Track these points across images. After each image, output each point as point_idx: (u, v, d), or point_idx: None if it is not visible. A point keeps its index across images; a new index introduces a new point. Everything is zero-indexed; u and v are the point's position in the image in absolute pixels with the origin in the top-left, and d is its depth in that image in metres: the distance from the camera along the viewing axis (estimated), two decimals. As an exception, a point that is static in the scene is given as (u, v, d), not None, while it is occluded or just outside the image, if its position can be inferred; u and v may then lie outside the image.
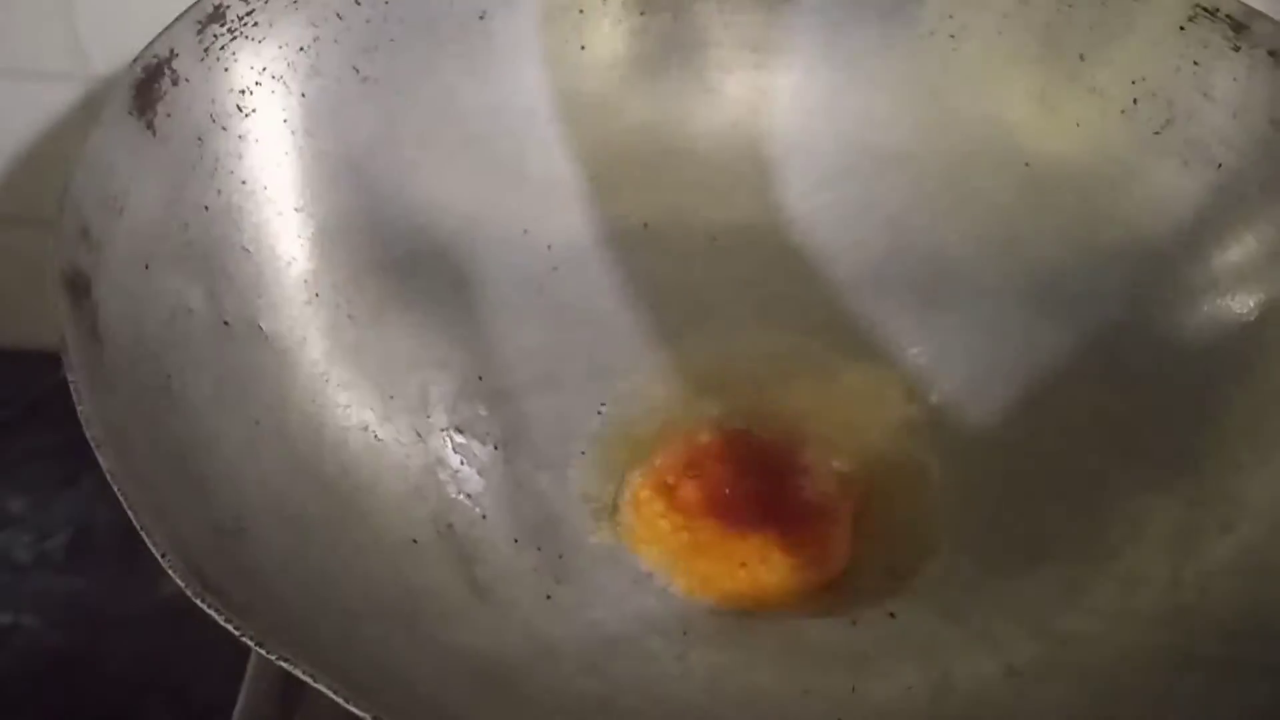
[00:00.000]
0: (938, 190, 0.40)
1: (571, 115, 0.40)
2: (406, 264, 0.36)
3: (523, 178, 0.39)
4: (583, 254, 0.39)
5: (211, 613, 0.19)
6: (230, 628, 0.19)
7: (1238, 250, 0.34)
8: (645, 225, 0.40)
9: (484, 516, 0.32)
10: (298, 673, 0.18)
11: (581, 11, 0.40)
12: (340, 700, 0.18)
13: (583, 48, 0.40)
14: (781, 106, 0.41)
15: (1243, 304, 0.33)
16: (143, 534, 0.20)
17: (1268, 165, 0.34)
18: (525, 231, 0.39)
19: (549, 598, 0.30)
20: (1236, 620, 0.27)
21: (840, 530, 0.33)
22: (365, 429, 0.32)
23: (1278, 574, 0.28)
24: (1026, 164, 0.39)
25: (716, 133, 0.41)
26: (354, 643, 0.25)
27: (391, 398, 0.33)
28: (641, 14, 0.40)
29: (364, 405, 0.32)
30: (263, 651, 0.18)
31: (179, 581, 0.19)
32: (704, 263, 0.40)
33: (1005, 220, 0.39)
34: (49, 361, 0.28)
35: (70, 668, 0.37)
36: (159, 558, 0.19)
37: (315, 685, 0.18)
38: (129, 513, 0.20)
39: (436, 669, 0.26)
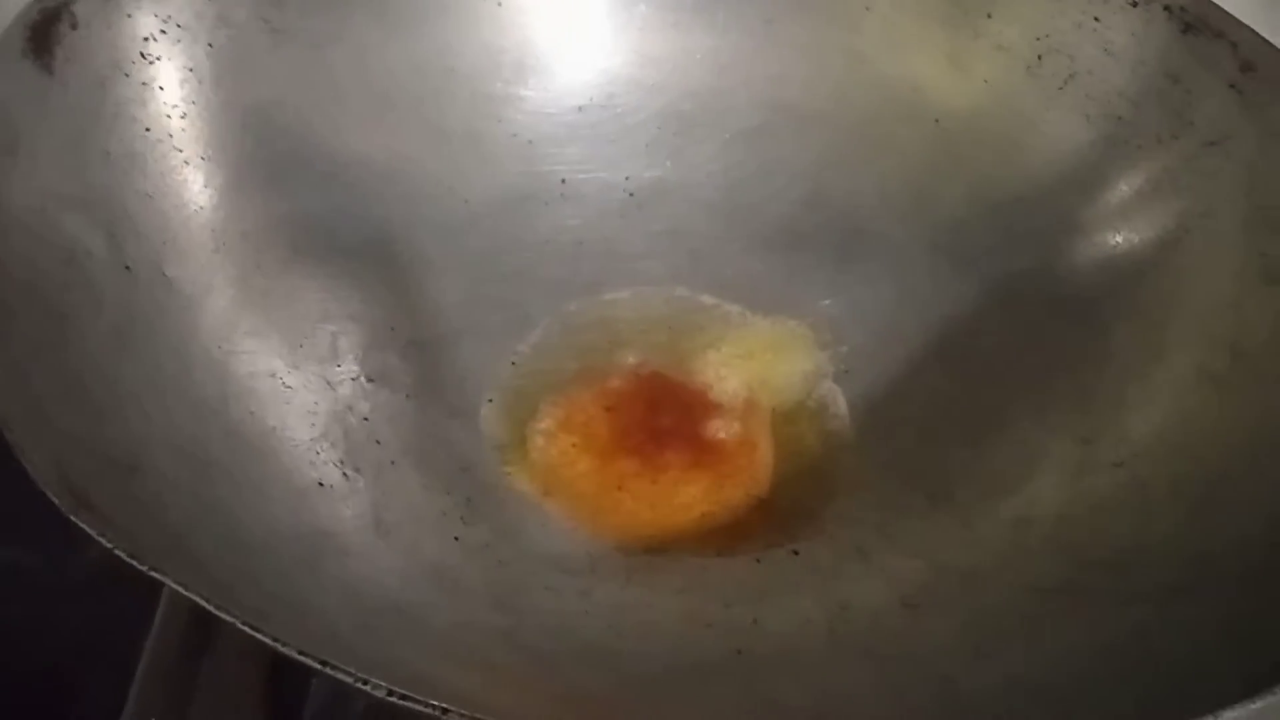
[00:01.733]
0: (850, 147, 0.41)
1: (490, 72, 0.40)
2: (320, 216, 0.35)
3: (442, 134, 0.39)
4: (501, 209, 0.39)
5: (91, 531, 0.19)
6: (104, 542, 0.19)
7: (1129, 196, 0.35)
8: (563, 181, 0.41)
9: (392, 462, 0.32)
10: (194, 596, 0.18)
11: (497, -33, 0.40)
12: (238, 623, 0.18)
13: (499, 4, 0.40)
14: (699, 65, 0.42)
15: (1133, 243, 0.34)
16: (18, 454, 0.20)
17: (1164, 117, 0.35)
18: (444, 187, 0.39)
19: (456, 539, 0.31)
20: (1121, 552, 0.28)
21: (750, 471, 0.33)
22: (273, 375, 0.32)
23: (1161, 506, 0.29)
24: (936, 120, 0.40)
25: (636, 90, 0.42)
26: (255, 577, 0.25)
27: (300, 346, 0.33)
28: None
29: (272, 353, 0.32)
30: (135, 563, 0.19)
31: (55, 500, 0.19)
32: (620, 217, 0.40)
33: (915, 175, 0.40)
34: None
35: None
36: (34, 478, 0.19)
37: (213, 610, 0.18)
38: (5, 434, 0.20)
39: (339, 604, 0.26)
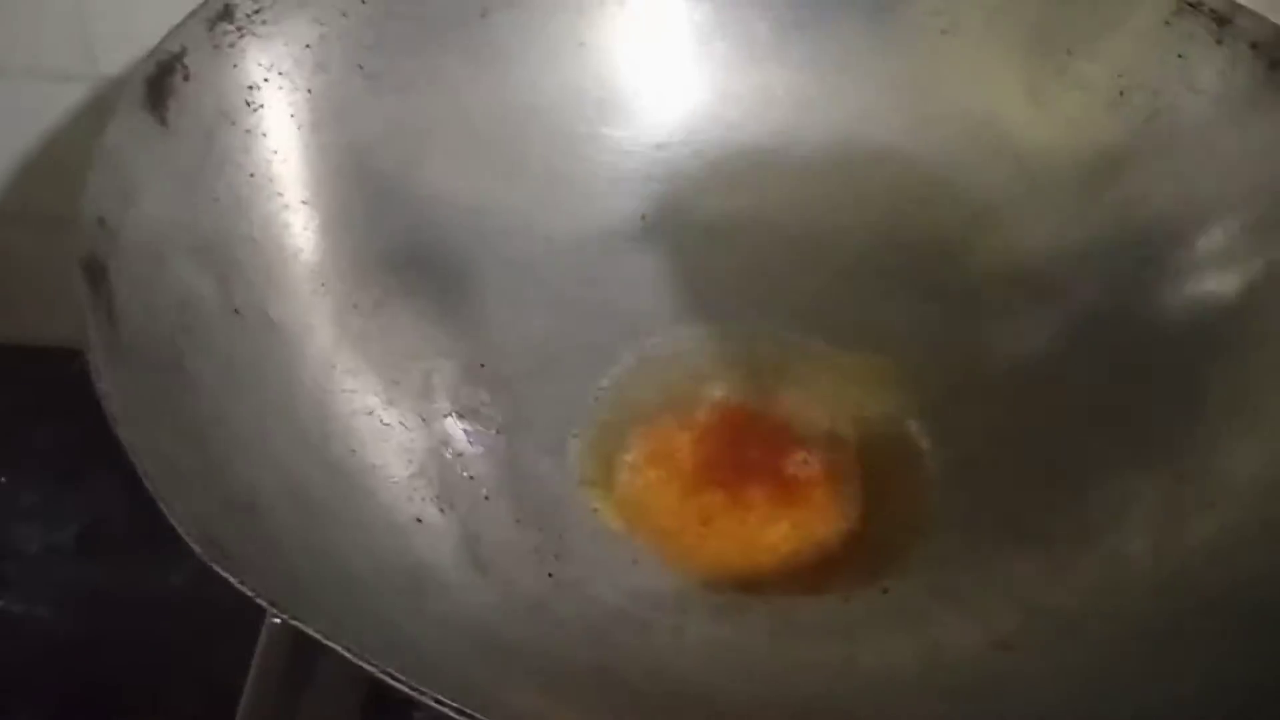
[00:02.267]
0: (927, 184, 0.41)
1: (572, 110, 0.41)
2: (410, 255, 0.36)
3: (524, 171, 0.40)
4: (581, 245, 0.40)
5: (227, 576, 0.20)
6: (246, 590, 0.19)
7: (1219, 235, 0.35)
8: (643, 217, 0.41)
9: (486, 497, 0.33)
10: (310, 631, 0.19)
11: (581, 9, 0.41)
12: (352, 657, 0.19)
13: (582, 44, 0.41)
14: (778, 101, 0.42)
15: (1224, 285, 0.34)
16: (160, 504, 0.20)
17: (1252, 156, 0.35)
18: (527, 224, 0.39)
19: (550, 575, 0.31)
20: (1216, 594, 0.28)
21: (837, 508, 0.34)
22: (370, 413, 0.33)
23: (1255, 548, 0.29)
24: (1016, 157, 0.40)
25: (716, 127, 0.42)
26: (361, 612, 0.26)
27: (396, 383, 0.34)
28: (642, 11, 0.41)
29: (369, 391, 0.33)
30: (276, 611, 0.19)
31: (195, 548, 0.20)
32: (700, 253, 0.41)
33: (996, 211, 0.40)
34: (61, 357, 0.29)
35: (82, 654, 0.38)
36: (175, 526, 0.20)
37: (327, 643, 0.19)
38: (147, 484, 0.21)
39: (440, 638, 0.27)
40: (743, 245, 0.41)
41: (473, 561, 0.31)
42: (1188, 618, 0.28)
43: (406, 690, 0.20)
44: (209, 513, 0.23)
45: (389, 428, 0.33)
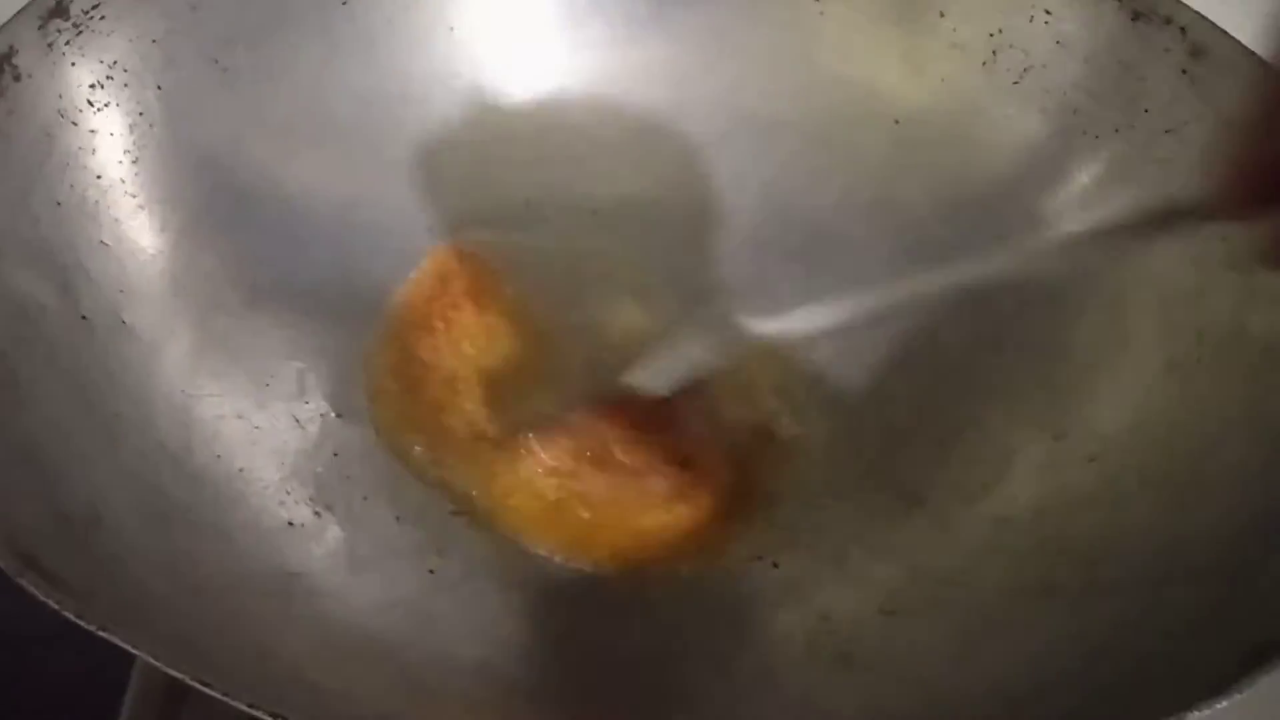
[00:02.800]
0: (811, 153, 0.40)
1: (444, 98, 0.40)
2: (280, 253, 0.35)
3: (397, 162, 0.39)
4: (462, 233, 0.39)
5: (32, 590, 0.19)
6: (51, 604, 0.19)
7: (1089, 186, 0.35)
8: (526, 202, 0.41)
9: (365, 498, 0.32)
10: (120, 642, 0.18)
11: (447, -7, 0.40)
12: (162, 665, 0.18)
13: (452, 29, 0.40)
14: (657, 78, 0.42)
15: (1092, 236, 0.34)
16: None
17: (1119, 106, 0.35)
18: (406, 216, 0.39)
19: (431, 572, 0.31)
20: (1093, 548, 0.28)
21: (723, 488, 0.33)
22: (239, 417, 0.32)
23: (1133, 499, 0.29)
24: (896, 121, 0.40)
25: (596, 106, 0.42)
26: (219, 626, 0.25)
27: (267, 385, 0.33)
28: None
29: (238, 394, 0.32)
30: (84, 624, 0.18)
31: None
32: (588, 236, 0.40)
33: (877, 178, 0.39)
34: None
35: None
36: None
37: (145, 658, 0.18)
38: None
39: (308, 644, 0.26)
40: (630, 226, 0.41)
41: (348, 563, 0.30)
42: (1068, 572, 0.28)
43: (246, 710, 0.19)
44: (35, 529, 0.22)
45: (260, 430, 0.32)
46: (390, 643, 0.28)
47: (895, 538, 0.31)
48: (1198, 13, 0.33)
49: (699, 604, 0.31)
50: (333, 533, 0.31)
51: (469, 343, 0.35)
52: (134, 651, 0.18)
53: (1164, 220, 0.25)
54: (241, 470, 0.31)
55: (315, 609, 0.28)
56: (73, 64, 0.31)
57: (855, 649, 0.28)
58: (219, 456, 0.30)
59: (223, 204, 0.35)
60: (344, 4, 0.38)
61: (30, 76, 0.30)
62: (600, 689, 0.28)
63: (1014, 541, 0.30)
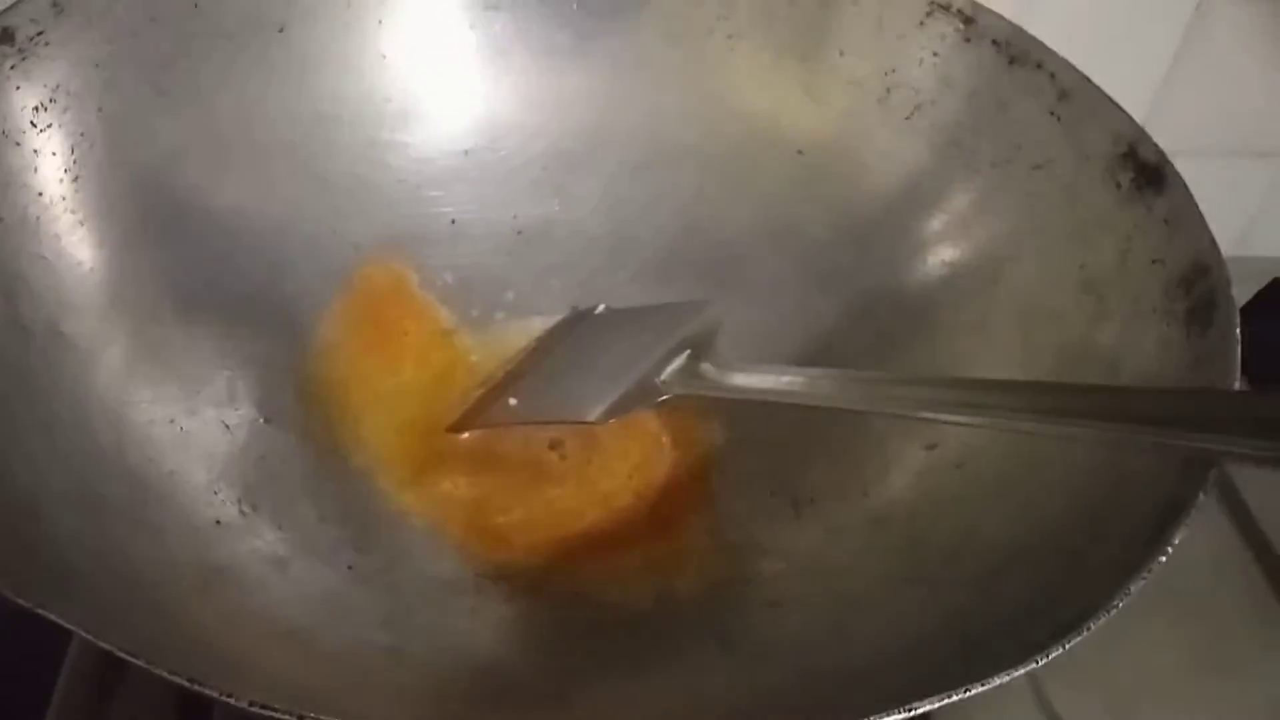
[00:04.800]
0: (721, 180, 0.43)
1: (375, 120, 0.42)
2: (212, 267, 0.37)
3: (328, 181, 0.41)
4: (390, 252, 0.41)
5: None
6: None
7: (969, 215, 0.38)
8: (453, 221, 0.43)
9: (290, 499, 0.34)
10: (51, 616, 0.20)
11: (380, 22, 0.42)
12: (87, 636, 0.20)
13: (384, 56, 0.42)
14: (577, 107, 0.44)
15: (969, 261, 0.37)
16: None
17: (996, 143, 0.38)
18: (335, 232, 0.41)
19: (350, 567, 0.33)
20: (956, 543, 0.31)
21: (625, 489, 0.36)
22: (171, 421, 0.34)
23: (990, 501, 0.32)
24: (799, 151, 0.43)
25: (518, 132, 0.44)
26: (148, 613, 0.27)
27: (198, 392, 0.35)
28: (441, 24, 0.43)
29: (170, 400, 0.34)
30: (17, 599, 0.20)
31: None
32: (509, 254, 0.43)
33: (781, 205, 0.42)
34: None
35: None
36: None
37: (69, 627, 0.20)
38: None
39: (231, 633, 0.28)
40: (550, 246, 0.43)
41: (271, 559, 0.32)
42: (930, 566, 0.31)
43: (168, 678, 0.21)
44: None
45: (189, 434, 0.34)
46: (309, 632, 0.30)
47: (784, 537, 0.34)
48: (1066, 60, 0.37)
49: (599, 598, 0.33)
50: (257, 531, 0.33)
51: (387, 359, 0.37)
52: (67, 626, 0.20)
53: None
54: (172, 472, 0.32)
55: (240, 601, 0.29)
56: (17, 87, 0.33)
57: (739, 637, 0.31)
58: (150, 458, 0.32)
59: (159, 219, 0.36)
60: (280, 32, 0.40)
61: (-26, 99, 0.32)
62: (506, 676, 0.31)
63: (892, 540, 0.33)
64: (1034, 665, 0.22)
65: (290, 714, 0.21)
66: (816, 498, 0.35)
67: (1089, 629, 0.23)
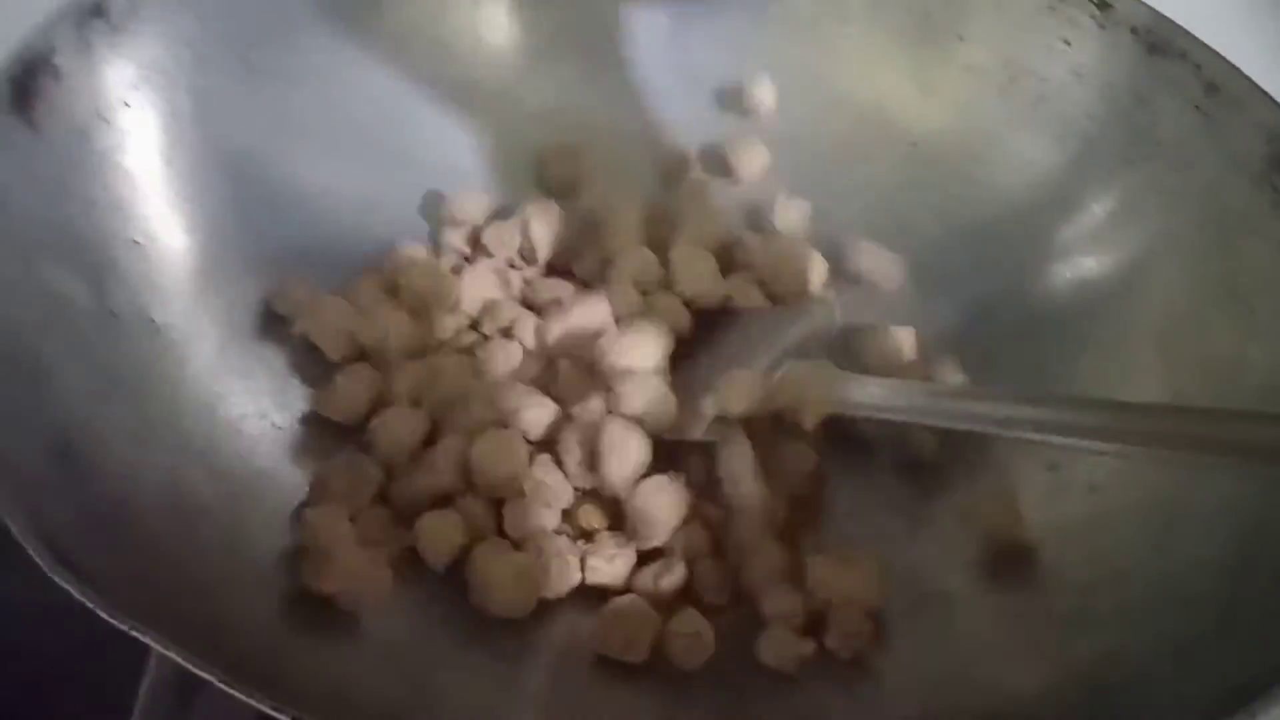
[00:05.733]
0: (827, 172, 0.41)
1: (468, 104, 0.41)
2: (306, 251, 0.36)
3: (418, 164, 0.39)
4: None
5: (66, 586, 0.19)
6: (86, 601, 0.19)
7: (1100, 218, 0.36)
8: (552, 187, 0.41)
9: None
10: (153, 644, 0.19)
11: (477, 4, 0.41)
12: (201, 673, 0.19)
13: (480, 39, 0.41)
14: (677, 90, 0.42)
15: (1101, 267, 0.35)
16: (5, 518, 0.20)
17: (1132, 139, 0.36)
18: (424, 214, 0.39)
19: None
20: (1088, 576, 0.29)
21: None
22: (262, 416, 0.33)
23: (1128, 531, 0.29)
24: (912, 144, 0.40)
25: (613, 118, 0.42)
26: (240, 627, 0.26)
27: (290, 383, 0.34)
28: (536, 6, 0.41)
29: (262, 393, 0.33)
30: (118, 623, 0.19)
31: (34, 556, 0.20)
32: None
33: (892, 200, 0.40)
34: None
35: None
36: (12, 530, 0.20)
37: (168, 653, 0.19)
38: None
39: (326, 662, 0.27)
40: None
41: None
42: (1065, 599, 0.29)
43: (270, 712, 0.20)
44: (66, 524, 0.23)
45: (282, 430, 0.33)
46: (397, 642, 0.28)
47: (899, 556, 0.32)
48: (1213, 49, 0.34)
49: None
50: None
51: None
52: (165, 652, 0.19)
53: None
54: (264, 469, 0.31)
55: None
56: (109, 65, 0.32)
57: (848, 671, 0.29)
58: (241, 456, 0.31)
59: (250, 202, 0.35)
60: (376, 9, 0.39)
61: (69, 77, 0.31)
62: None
63: (1014, 567, 0.30)
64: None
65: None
66: (935, 517, 0.33)
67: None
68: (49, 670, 0.34)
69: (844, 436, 0.34)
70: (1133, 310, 0.33)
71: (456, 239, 0.38)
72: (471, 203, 0.39)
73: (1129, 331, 0.33)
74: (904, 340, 0.36)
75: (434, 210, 0.39)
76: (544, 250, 0.38)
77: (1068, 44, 0.37)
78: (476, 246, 0.38)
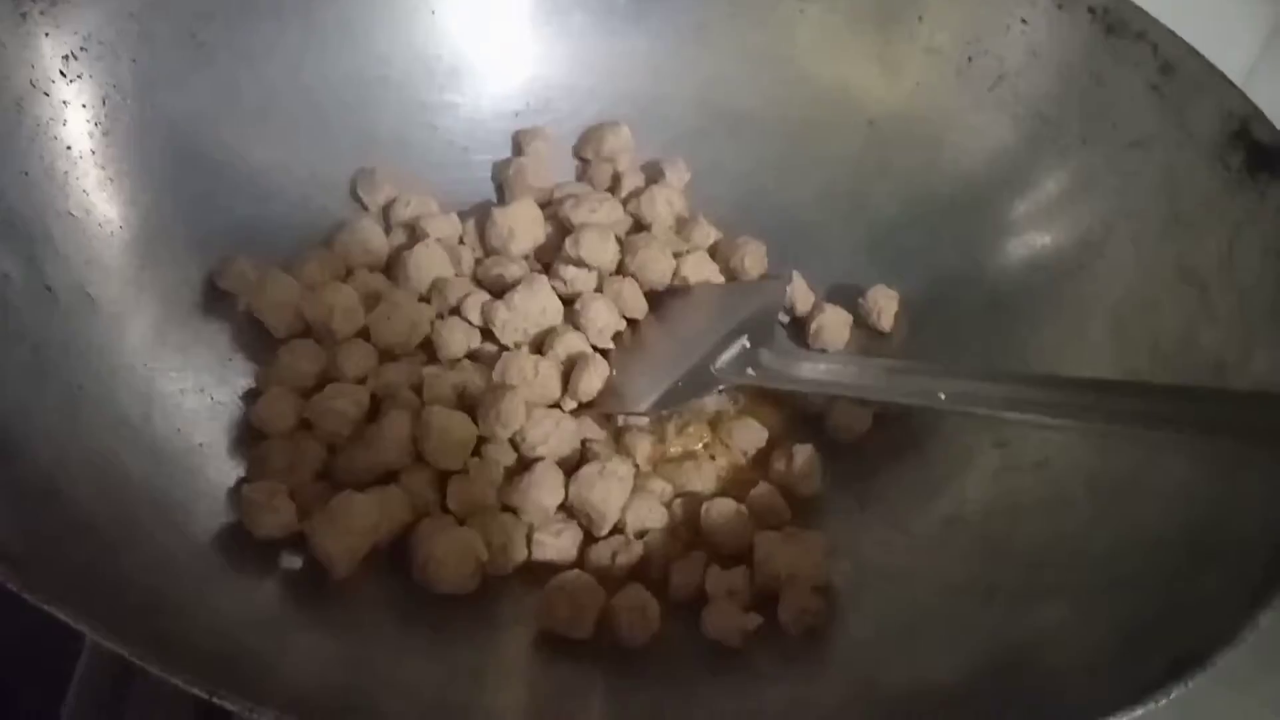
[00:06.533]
0: (786, 150, 0.41)
1: (424, 80, 0.40)
2: (251, 229, 0.35)
3: (373, 142, 0.39)
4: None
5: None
6: (12, 586, 0.19)
7: (1056, 196, 0.35)
8: (500, 187, 0.41)
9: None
10: (67, 619, 0.18)
11: (430, -25, 0.40)
12: (131, 656, 0.18)
13: (433, 12, 0.40)
14: (634, 70, 0.42)
15: (1056, 245, 0.35)
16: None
17: (1088, 118, 0.36)
18: (367, 191, 0.39)
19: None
20: (1036, 552, 0.29)
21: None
22: (201, 391, 0.32)
23: (1075, 505, 0.29)
24: (870, 122, 0.40)
25: (573, 94, 0.42)
26: (173, 596, 0.25)
27: (230, 360, 0.33)
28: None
29: (201, 369, 0.32)
30: (31, 598, 0.19)
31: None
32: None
33: (849, 178, 0.40)
34: None
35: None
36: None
37: (83, 629, 0.18)
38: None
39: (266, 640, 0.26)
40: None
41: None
42: (1006, 574, 0.29)
43: (187, 689, 0.20)
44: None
45: (221, 405, 0.32)
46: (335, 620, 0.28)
47: (848, 534, 0.32)
48: (1170, 30, 0.34)
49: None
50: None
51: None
52: (79, 627, 0.18)
53: None
54: (201, 444, 0.31)
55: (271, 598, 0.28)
56: (46, 34, 0.31)
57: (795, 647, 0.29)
58: (179, 430, 0.31)
59: (194, 178, 0.35)
60: (326, -17, 0.38)
61: (3, 46, 0.30)
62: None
63: (964, 542, 0.30)
64: (1151, 705, 0.20)
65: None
66: (884, 494, 0.32)
67: (1212, 664, 0.20)
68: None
69: (795, 413, 0.33)
70: (1087, 288, 0.33)
71: (404, 214, 0.37)
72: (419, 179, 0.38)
73: (1083, 309, 0.33)
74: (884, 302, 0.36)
75: (375, 186, 0.38)
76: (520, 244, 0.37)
77: (1025, 23, 0.37)
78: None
